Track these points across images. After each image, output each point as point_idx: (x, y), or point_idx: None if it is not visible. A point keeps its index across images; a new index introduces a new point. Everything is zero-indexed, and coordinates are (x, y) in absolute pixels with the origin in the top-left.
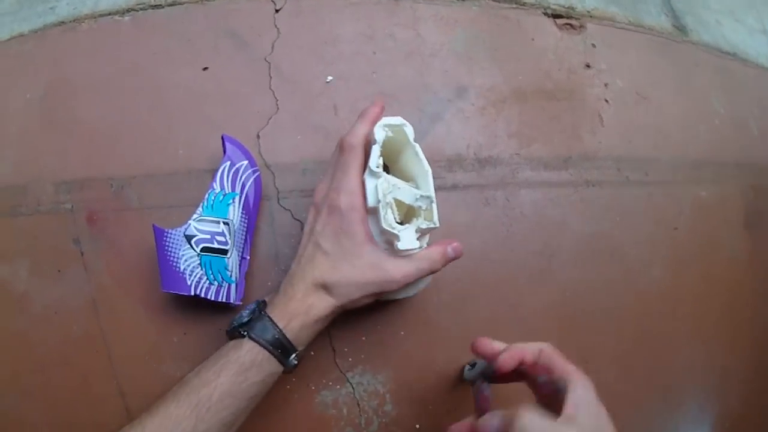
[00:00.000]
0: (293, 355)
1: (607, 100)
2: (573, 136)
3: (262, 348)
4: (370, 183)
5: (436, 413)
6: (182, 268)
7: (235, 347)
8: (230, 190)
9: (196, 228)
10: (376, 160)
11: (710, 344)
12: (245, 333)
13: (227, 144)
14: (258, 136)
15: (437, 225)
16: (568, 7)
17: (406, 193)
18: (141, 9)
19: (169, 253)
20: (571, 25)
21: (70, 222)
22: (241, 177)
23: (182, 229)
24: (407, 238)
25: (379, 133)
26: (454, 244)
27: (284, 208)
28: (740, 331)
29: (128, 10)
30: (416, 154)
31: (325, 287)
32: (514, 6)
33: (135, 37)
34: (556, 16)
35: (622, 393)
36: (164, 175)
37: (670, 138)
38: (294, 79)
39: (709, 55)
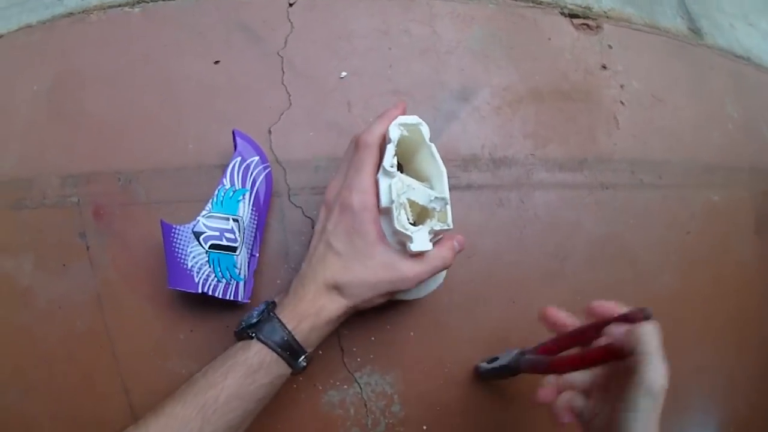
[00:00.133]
0: (302, 357)
1: (622, 102)
2: (589, 137)
3: (270, 350)
4: (383, 183)
5: (445, 415)
6: (190, 265)
7: (243, 348)
8: (240, 186)
9: (204, 224)
10: (390, 160)
11: (718, 348)
12: (253, 334)
13: (238, 139)
14: (270, 132)
15: (451, 227)
16: (585, 7)
17: (420, 193)
18: (151, 0)
19: (176, 250)
20: (587, 25)
21: (76, 216)
22: (251, 173)
23: (191, 225)
24: (420, 240)
25: (394, 132)
26: (458, 237)
27: (295, 205)
28: (748, 335)
29: (138, 2)
30: (431, 154)
31: (337, 288)
32: (531, 5)
33: (145, 29)
34: (572, 15)
35: None
36: (173, 170)
37: (683, 141)
38: (307, 74)
39: (723, 59)
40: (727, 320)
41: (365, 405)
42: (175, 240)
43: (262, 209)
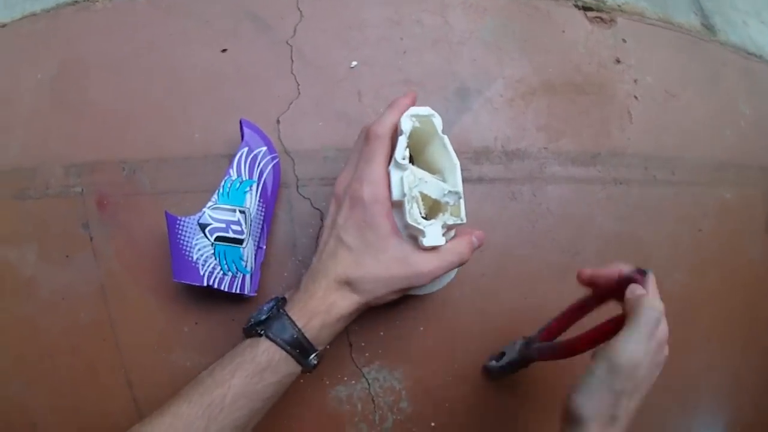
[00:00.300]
0: (313, 355)
1: (636, 97)
2: (602, 131)
3: (279, 348)
4: (395, 175)
5: (453, 411)
6: (195, 257)
7: (251, 346)
8: (247, 177)
9: (210, 216)
10: (402, 152)
11: (726, 348)
12: (262, 332)
13: (245, 129)
14: (278, 122)
15: (464, 221)
16: (599, 0)
17: (433, 187)
18: None
19: (181, 242)
20: (601, 18)
21: (79, 206)
22: (259, 164)
23: (196, 217)
24: (433, 234)
25: (406, 124)
26: (477, 232)
27: (303, 196)
28: (756, 334)
29: None
30: (444, 146)
31: (349, 284)
32: None
33: (151, 17)
34: (586, 8)
35: None
36: (179, 160)
37: (696, 138)
38: (317, 63)
39: (736, 56)
40: (735, 320)
41: (373, 401)
42: (180, 232)
43: (270, 201)
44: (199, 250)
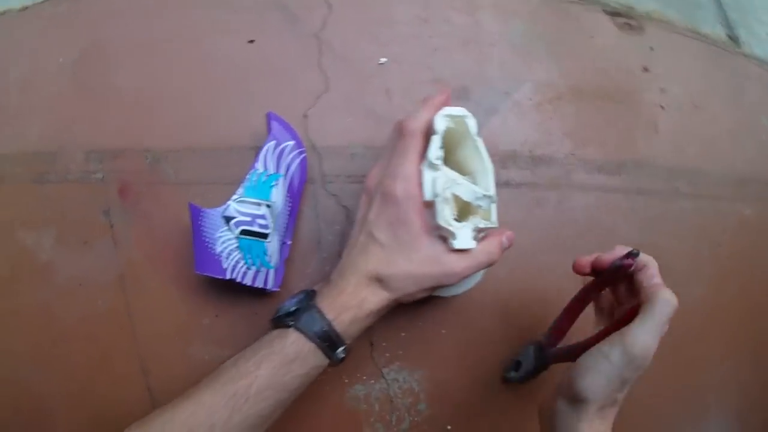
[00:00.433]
0: (340, 349)
1: (662, 106)
2: (628, 140)
3: (308, 340)
4: (427, 175)
5: (470, 415)
6: (218, 250)
7: (279, 337)
8: (274, 171)
9: (236, 209)
10: (435, 152)
11: (738, 364)
12: (291, 323)
13: (273, 122)
14: (305, 116)
15: (495, 225)
16: (628, 7)
17: (466, 189)
18: None
19: (205, 234)
20: (630, 25)
21: (100, 193)
22: (286, 158)
23: (221, 209)
24: (464, 237)
25: (440, 123)
26: (508, 233)
27: (330, 192)
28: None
29: None
30: (477, 148)
31: (380, 280)
32: (575, 1)
33: (178, 3)
34: (615, 14)
35: (651, 408)
36: (204, 150)
37: (719, 151)
38: (346, 57)
39: (760, 70)
40: (748, 336)
41: (391, 401)
42: (203, 224)
43: (296, 196)
44: (222, 243)
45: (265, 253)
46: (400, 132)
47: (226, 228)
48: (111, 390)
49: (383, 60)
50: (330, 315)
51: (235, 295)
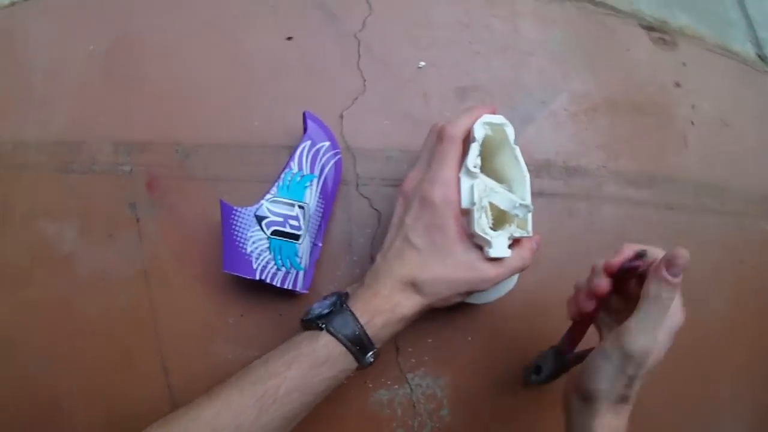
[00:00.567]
0: (371, 353)
1: (693, 122)
2: (659, 154)
3: (339, 343)
4: (465, 183)
5: (491, 423)
6: (249, 250)
7: (309, 339)
8: (309, 172)
9: (268, 209)
10: (474, 160)
11: (754, 380)
12: (323, 325)
13: (309, 122)
14: (341, 117)
15: (531, 234)
16: (662, 21)
17: (503, 198)
18: None
19: (235, 233)
20: (664, 39)
21: (127, 185)
22: (321, 158)
23: (253, 208)
24: (499, 246)
25: (479, 131)
26: (537, 237)
27: (363, 195)
28: None
29: None
30: (515, 157)
31: (414, 285)
32: (612, 13)
33: None
34: (650, 29)
35: (666, 420)
36: (236, 147)
37: (746, 169)
38: (384, 60)
39: None
40: (766, 352)
41: (414, 407)
42: (234, 222)
43: (329, 198)
44: (253, 242)
45: (295, 255)
46: (440, 137)
47: (257, 228)
48: (130, 387)
49: (422, 64)
50: (363, 318)
51: (261, 296)
